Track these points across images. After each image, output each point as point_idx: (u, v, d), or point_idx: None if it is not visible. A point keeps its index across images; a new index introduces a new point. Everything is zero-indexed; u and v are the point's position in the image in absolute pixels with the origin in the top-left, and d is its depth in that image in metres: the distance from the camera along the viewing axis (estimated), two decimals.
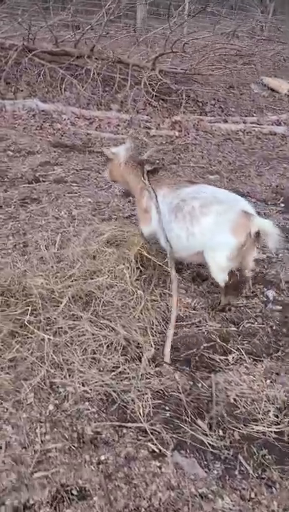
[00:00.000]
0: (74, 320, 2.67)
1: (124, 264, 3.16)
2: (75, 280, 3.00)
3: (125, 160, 3.35)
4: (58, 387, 2.30)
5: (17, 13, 11.52)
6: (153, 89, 7.35)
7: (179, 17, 8.18)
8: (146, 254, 3.30)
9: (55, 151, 5.49)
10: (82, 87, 7.62)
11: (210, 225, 2.79)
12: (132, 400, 2.25)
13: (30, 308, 2.67)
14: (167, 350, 2.58)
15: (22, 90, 7.55)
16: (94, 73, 7.58)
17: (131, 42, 10.01)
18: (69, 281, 2.97)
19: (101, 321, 2.70)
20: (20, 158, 5.22)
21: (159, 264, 3.18)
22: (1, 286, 2.75)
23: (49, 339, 2.50)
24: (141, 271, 3.19)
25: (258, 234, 2.72)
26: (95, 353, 2.49)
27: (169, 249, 2.99)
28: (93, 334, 2.57)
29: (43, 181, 4.68)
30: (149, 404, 2.23)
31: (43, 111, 6.67)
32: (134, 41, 9.97)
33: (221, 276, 2.87)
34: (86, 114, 6.79)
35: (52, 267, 3.18)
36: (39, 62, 8.07)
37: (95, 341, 2.54)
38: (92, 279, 3.09)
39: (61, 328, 2.60)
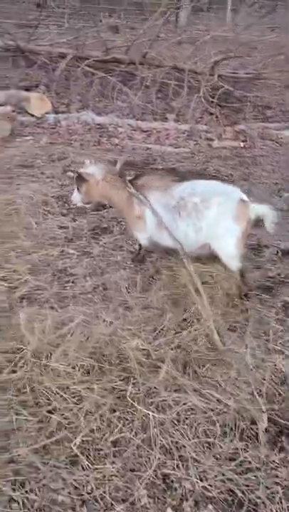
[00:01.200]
0: (177, 390, 2.35)
1: (212, 310, 2.84)
2: (168, 334, 2.70)
3: (103, 176, 3.30)
4: (172, 481, 1.99)
5: (62, 19, 11.36)
6: (211, 96, 6.94)
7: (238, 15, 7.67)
8: (237, 297, 3.09)
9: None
10: (135, 95, 7.32)
11: (214, 217, 2.92)
12: (263, 503, 1.90)
13: (126, 375, 2.38)
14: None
15: (74, 102, 7.32)
16: (147, 81, 7.25)
17: (177, 44, 9.62)
18: (163, 337, 2.67)
19: (206, 389, 2.37)
20: None
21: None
22: (94, 349, 2.47)
23: (154, 416, 2.19)
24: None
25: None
26: (207, 435, 2.16)
27: (180, 246, 2.97)
28: (204, 412, 2.23)
29: (110, 207, 4.39)
30: (283, 509, 1.89)
31: (98, 124, 6.40)
32: (181, 43, 9.60)
33: (233, 264, 3.02)
34: (143, 126, 6.47)
35: (138, 316, 2.89)
36: (89, 71, 7.83)
37: (205, 420, 2.21)
38: (182, 329, 2.79)
39: (164, 401, 2.28)
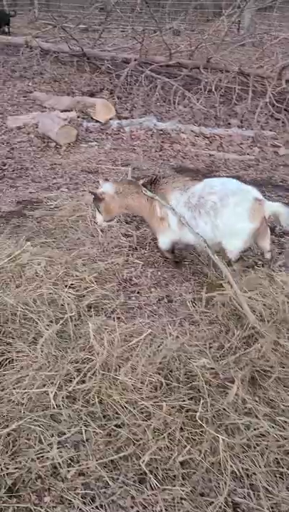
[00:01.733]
0: (248, 413, 2.28)
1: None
2: (235, 351, 2.63)
3: (116, 190, 3.45)
4: (243, 511, 1.93)
5: (126, 24, 11.49)
6: (278, 101, 6.72)
7: None
8: None
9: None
10: (198, 100, 7.25)
11: (230, 215, 3.06)
12: None
13: (194, 394, 2.34)
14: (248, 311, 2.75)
15: (137, 107, 7.36)
16: (211, 86, 7.16)
17: (241, 46, 9.41)
18: (230, 355, 2.60)
19: (279, 416, 2.28)
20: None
21: None
22: (161, 365, 2.45)
23: (223, 440, 2.14)
24: None
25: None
26: (280, 464, 2.08)
27: (203, 240, 3.12)
28: (276, 439, 2.15)
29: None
30: None
31: (160, 130, 6.40)
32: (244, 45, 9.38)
33: (235, 256, 3.25)
34: (206, 132, 6.39)
35: (205, 331, 2.84)
36: (151, 76, 7.85)
37: (278, 448, 2.13)
38: (248, 346, 2.70)
39: (234, 424, 2.22)
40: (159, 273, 3.52)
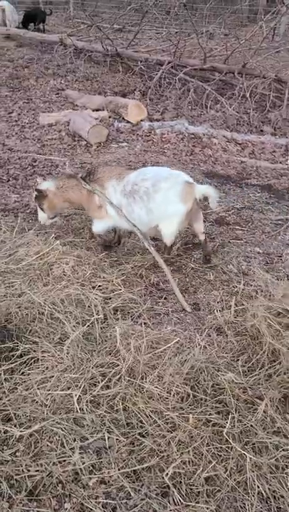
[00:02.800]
0: (276, 432, 2.20)
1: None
2: (264, 365, 2.55)
3: (57, 185, 3.55)
4: None
5: (162, 26, 11.46)
6: None
7: None
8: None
9: (210, 183, 5.08)
10: (230, 105, 7.15)
11: (163, 199, 3.22)
12: None
13: (222, 408, 2.27)
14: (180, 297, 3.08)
15: (169, 110, 7.31)
16: (246, 91, 7.06)
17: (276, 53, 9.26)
18: (259, 369, 2.52)
19: None
20: None
21: None
22: (188, 375, 2.39)
23: (250, 458, 2.06)
24: None
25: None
26: None
27: (138, 229, 3.31)
28: None
29: (204, 222, 4.28)
30: None
31: (192, 134, 6.33)
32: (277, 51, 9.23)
33: (170, 240, 3.42)
34: (238, 138, 6.29)
35: (233, 343, 2.77)
36: (184, 78, 7.80)
37: None
38: (276, 359, 2.62)
39: (262, 442, 2.15)
40: (187, 279, 3.45)
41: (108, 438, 2.16)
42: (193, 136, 6.31)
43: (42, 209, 3.64)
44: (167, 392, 2.32)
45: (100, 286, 3.16)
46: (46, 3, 19.83)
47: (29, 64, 10.10)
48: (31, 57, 10.59)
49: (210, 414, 2.25)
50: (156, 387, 2.33)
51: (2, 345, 2.50)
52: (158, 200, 3.24)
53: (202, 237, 3.56)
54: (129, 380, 2.37)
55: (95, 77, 9.24)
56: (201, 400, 2.31)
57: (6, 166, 5.25)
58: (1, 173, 5.08)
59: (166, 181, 3.26)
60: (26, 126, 6.60)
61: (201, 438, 2.14)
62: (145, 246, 3.34)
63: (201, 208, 3.49)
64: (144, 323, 2.89)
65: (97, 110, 7.17)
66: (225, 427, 2.19)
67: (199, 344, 2.69)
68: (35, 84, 8.73)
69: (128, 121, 6.74)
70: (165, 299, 3.24)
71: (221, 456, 2.11)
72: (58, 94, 8.29)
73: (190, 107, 7.38)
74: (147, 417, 2.24)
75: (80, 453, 2.09)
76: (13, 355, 2.49)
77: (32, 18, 13.38)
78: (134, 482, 2.01)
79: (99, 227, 3.60)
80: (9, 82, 8.68)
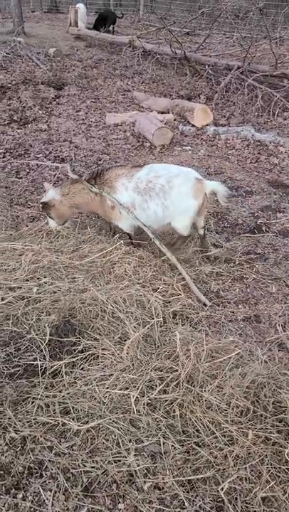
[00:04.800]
0: None
1: None
2: None
3: (62, 193, 3.56)
4: None
5: (230, 29, 11.33)
6: None
7: None
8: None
9: (275, 193, 4.95)
10: None
11: (177, 195, 3.31)
12: None
13: (282, 428, 2.19)
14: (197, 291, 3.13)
15: (235, 116, 7.20)
16: None
17: None
18: None
19: None
20: (238, 198, 4.82)
21: None
22: (249, 389, 2.32)
23: None
24: None
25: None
26: None
27: (146, 227, 3.39)
28: None
29: (266, 231, 4.19)
30: None
31: (258, 141, 6.19)
32: None
33: (186, 232, 3.48)
34: None
35: None
36: (252, 84, 7.65)
37: None
38: None
39: None
40: (248, 290, 3.37)
41: (163, 443, 2.14)
42: (259, 143, 6.17)
43: (51, 218, 3.66)
44: (226, 404, 2.27)
45: (159, 289, 3.16)
46: (117, 5, 20.22)
47: (98, 64, 10.33)
48: (100, 57, 10.82)
49: (270, 432, 2.17)
50: (216, 397, 2.28)
51: (65, 339, 2.55)
52: (173, 196, 3.32)
53: (201, 232, 3.69)
54: (187, 388, 2.34)
55: (161, 80, 9.29)
56: (261, 416, 2.24)
57: (72, 163, 5.38)
58: (66, 171, 5.21)
59: (178, 178, 3.35)
60: (93, 125, 6.74)
61: (260, 456, 2.08)
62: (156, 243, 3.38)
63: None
64: (203, 331, 2.85)
65: (162, 112, 7.20)
66: (286, 447, 2.10)
67: (260, 358, 2.61)
68: (103, 85, 8.90)
69: (193, 125, 6.71)
70: (224, 307, 3.18)
71: (279, 477, 2.03)
72: (124, 94, 8.41)
73: (257, 114, 7.23)
74: (204, 426, 2.20)
75: (135, 455, 2.09)
76: (74, 350, 2.53)
77: (103, 20, 13.68)
78: (188, 492, 1.98)
79: (128, 226, 3.57)
80: (78, 81, 8.90)
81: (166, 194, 3.32)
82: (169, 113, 7.07)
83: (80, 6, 13.61)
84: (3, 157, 5.41)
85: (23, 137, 6.07)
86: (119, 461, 2.07)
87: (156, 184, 3.33)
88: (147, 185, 3.35)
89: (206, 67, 8.86)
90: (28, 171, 5.07)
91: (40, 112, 7.09)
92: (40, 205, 3.63)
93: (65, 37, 13.04)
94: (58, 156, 5.52)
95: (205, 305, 3.12)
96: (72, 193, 3.57)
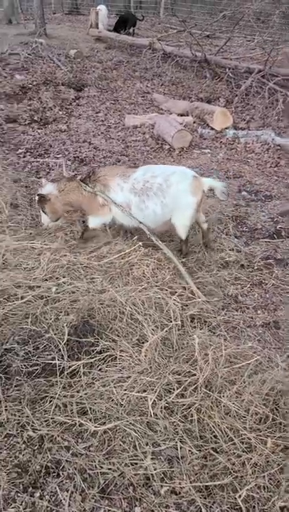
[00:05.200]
0: None
1: None
2: None
3: (59, 188, 3.59)
4: None
5: (251, 33, 11.27)
6: None
7: None
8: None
9: None
10: None
11: (175, 193, 3.36)
12: None
13: None
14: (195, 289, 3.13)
15: (255, 119, 7.15)
16: None
17: None
18: None
19: None
20: (257, 202, 4.79)
21: None
22: (268, 397, 2.30)
23: None
24: None
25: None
26: None
27: (146, 227, 3.45)
28: None
29: (286, 237, 4.14)
30: None
31: (278, 145, 6.14)
32: None
33: (184, 233, 3.53)
34: None
35: None
36: (273, 88, 7.59)
37: None
38: None
39: None
40: (267, 295, 3.34)
41: (180, 448, 2.13)
42: (279, 147, 6.11)
43: (44, 212, 3.68)
44: (245, 411, 2.25)
45: (177, 292, 3.14)
46: (137, 7, 20.30)
47: (117, 66, 10.37)
48: (120, 59, 10.86)
49: None
50: (234, 403, 2.26)
51: (84, 340, 2.56)
52: (171, 194, 3.36)
53: (205, 226, 3.77)
54: (205, 392, 2.33)
55: (180, 82, 9.28)
56: (280, 424, 2.21)
57: (91, 163, 5.40)
58: (85, 171, 5.23)
59: (175, 176, 3.39)
60: (112, 127, 6.76)
61: (278, 465, 2.05)
62: (153, 240, 3.45)
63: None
64: (221, 335, 2.83)
65: (181, 115, 7.19)
66: None
67: (279, 365, 2.57)
68: (123, 86, 8.93)
69: (212, 128, 6.69)
70: (243, 312, 3.16)
71: None
72: (143, 96, 8.43)
73: (277, 118, 7.17)
74: (222, 433, 2.18)
75: (152, 458, 2.08)
76: (93, 351, 2.53)
77: (124, 22, 13.74)
78: (205, 498, 1.96)
79: (96, 221, 3.63)
80: (98, 82, 8.95)
81: (164, 192, 3.37)
82: (188, 115, 7.05)
83: (102, 8, 13.69)
84: (24, 156, 5.45)
85: (43, 137, 6.12)
86: (136, 463, 2.06)
87: (154, 184, 3.38)
88: (144, 185, 3.40)
89: (227, 70, 8.82)
90: (48, 170, 5.11)
91: (60, 112, 7.14)
92: (37, 197, 3.64)
93: (86, 39, 13.13)
94: (78, 157, 5.55)
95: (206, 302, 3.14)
96: (67, 190, 3.61)
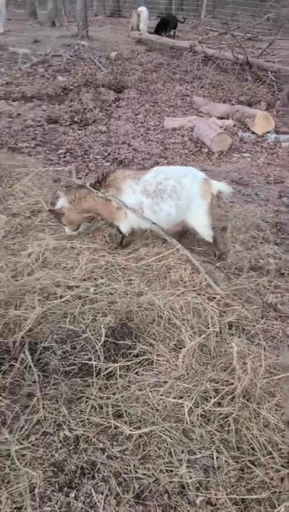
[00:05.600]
0: None
1: None
2: None
3: (70, 199, 3.57)
4: None
5: None
6: None
7: None
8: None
9: None
10: None
11: (187, 195, 3.40)
12: None
13: None
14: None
15: None
16: None
17: None
18: None
19: None
20: None
21: None
22: None
23: None
24: None
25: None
26: None
27: (160, 228, 3.44)
28: None
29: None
30: None
31: None
32: None
33: (207, 233, 3.57)
34: None
35: None
36: None
37: None
38: None
39: None
40: None
41: (217, 458, 2.09)
42: None
43: (63, 225, 3.67)
44: (285, 425, 2.18)
45: (215, 297, 3.10)
46: (178, 9, 20.29)
47: (157, 68, 10.39)
48: (160, 61, 10.88)
49: None
50: (274, 416, 2.20)
51: (121, 342, 2.55)
52: (185, 196, 3.39)
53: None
54: (244, 403, 2.27)
55: (220, 85, 9.19)
56: None
57: (130, 165, 5.42)
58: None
59: (187, 178, 3.41)
60: (151, 129, 6.77)
61: None
62: (167, 240, 3.47)
63: None
64: (260, 344, 2.77)
65: (221, 118, 7.12)
66: None
67: None
68: (162, 89, 8.93)
69: (253, 132, 6.58)
70: (282, 322, 3.07)
71: None
72: (183, 99, 8.40)
73: None
74: (261, 445, 2.12)
75: (187, 466, 2.05)
76: (130, 354, 2.53)
77: (165, 25, 13.76)
78: (242, 511, 1.91)
79: (126, 227, 3.59)
80: (138, 84, 8.99)
81: (178, 194, 3.38)
82: (228, 119, 6.97)
83: (143, 10, 13.77)
84: (64, 157, 5.53)
85: (82, 138, 6.19)
86: (171, 471, 2.04)
87: (167, 186, 3.38)
88: (157, 187, 3.39)
89: (269, 73, 8.68)
90: (87, 171, 5.16)
91: (100, 114, 7.21)
92: (53, 213, 3.64)
93: (127, 41, 13.23)
94: (116, 159, 5.58)
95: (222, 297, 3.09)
96: (78, 198, 3.58)
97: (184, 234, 3.81)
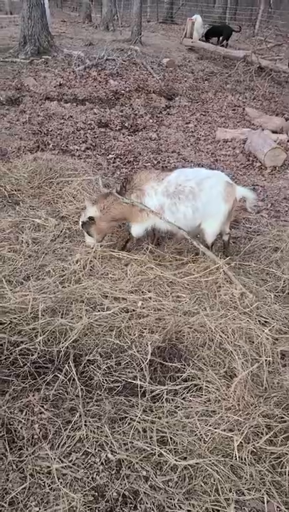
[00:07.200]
0: None
1: None
2: None
3: (100, 208, 3.50)
4: None
5: None
6: None
7: None
8: None
9: None
10: None
11: (207, 198, 3.30)
12: None
13: None
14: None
15: None
16: None
17: None
18: None
19: None
20: None
21: None
22: None
23: None
24: None
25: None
26: None
27: (182, 229, 3.38)
28: None
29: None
30: None
31: None
32: None
33: (211, 239, 3.48)
34: None
35: None
36: None
37: None
38: None
39: None
40: None
41: (267, 502, 1.94)
42: None
43: (91, 235, 3.56)
44: None
45: (267, 322, 2.94)
46: (232, 18, 20.12)
47: (209, 77, 10.27)
48: (212, 70, 10.76)
49: None
50: None
51: (170, 364, 2.44)
52: (203, 198, 3.30)
53: (226, 238, 3.69)
54: None
55: (274, 98, 8.97)
56: None
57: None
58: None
59: (209, 180, 3.33)
60: (201, 139, 6.65)
61: None
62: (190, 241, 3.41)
63: None
64: None
65: (274, 132, 6.91)
66: None
67: None
68: (213, 98, 8.80)
69: None
70: None
71: None
72: (234, 110, 8.24)
73: None
74: None
75: (235, 507, 1.91)
76: (178, 377, 2.41)
77: (216, 33, 13.63)
78: None
79: (138, 229, 3.54)
80: (189, 92, 8.90)
81: (196, 196, 3.31)
82: (282, 133, 6.76)
83: (197, 18, 13.70)
84: (114, 162, 5.50)
85: (132, 144, 6.15)
86: (218, 510, 1.90)
87: (186, 187, 3.32)
88: (176, 188, 3.34)
89: None
90: None
91: (151, 120, 7.16)
92: (81, 225, 3.55)
93: (179, 48, 13.19)
94: (166, 167, 5.49)
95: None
96: (107, 206, 3.51)
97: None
